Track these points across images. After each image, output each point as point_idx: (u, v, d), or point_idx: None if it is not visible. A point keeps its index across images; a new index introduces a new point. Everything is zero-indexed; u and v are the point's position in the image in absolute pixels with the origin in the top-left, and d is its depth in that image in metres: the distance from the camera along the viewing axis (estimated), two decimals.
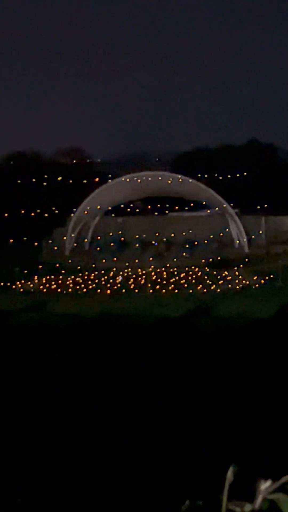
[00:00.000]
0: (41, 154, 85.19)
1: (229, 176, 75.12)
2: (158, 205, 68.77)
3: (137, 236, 64.83)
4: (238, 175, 75.88)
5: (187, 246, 60.12)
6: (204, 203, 66.37)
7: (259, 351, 17.16)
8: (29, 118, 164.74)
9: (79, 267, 56.23)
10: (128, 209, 69.08)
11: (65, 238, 62.55)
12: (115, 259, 58.44)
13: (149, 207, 70.14)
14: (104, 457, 9.02)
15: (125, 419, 10.93)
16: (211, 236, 64.23)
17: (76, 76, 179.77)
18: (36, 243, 62.25)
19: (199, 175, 67.34)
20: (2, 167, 78.60)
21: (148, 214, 68.34)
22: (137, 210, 71.05)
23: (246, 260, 57.24)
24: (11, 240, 62.22)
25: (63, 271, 54.29)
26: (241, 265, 54.72)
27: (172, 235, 65.26)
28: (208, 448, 9.13)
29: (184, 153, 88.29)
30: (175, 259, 57.32)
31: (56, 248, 63.13)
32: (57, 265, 56.60)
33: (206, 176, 69.66)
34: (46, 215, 65.85)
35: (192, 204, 69.03)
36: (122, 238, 63.41)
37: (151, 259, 57.91)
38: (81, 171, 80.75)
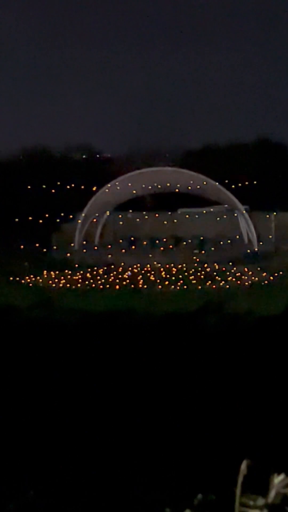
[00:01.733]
0: (51, 150, 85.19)
1: (238, 173, 74.94)
2: (168, 201, 68.69)
3: (146, 232, 64.86)
4: (247, 172, 75.68)
5: (197, 242, 60.10)
6: (214, 199, 66.29)
7: (268, 347, 17.16)
8: (38, 114, 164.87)
9: (88, 263, 56.37)
10: (137, 205, 69.00)
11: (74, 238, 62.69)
12: (124, 255, 58.51)
13: (159, 203, 70.08)
14: (117, 449, 9.07)
15: (135, 414, 10.97)
16: (221, 233, 64.18)
17: (86, 72, 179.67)
18: (45, 239, 62.34)
19: (209, 171, 67.16)
20: (11, 163, 78.69)
21: (157, 210, 68.27)
22: (147, 206, 70.97)
23: (255, 256, 57.17)
24: (20, 235, 62.31)
25: (72, 267, 54.43)
26: (251, 262, 54.67)
27: (182, 231, 65.25)
28: (221, 443, 9.16)
29: (193, 150, 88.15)
30: (184, 255, 57.31)
31: (65, 243, 63.23)
32: (66, 260, 56.75)
33: (215, 173, 69.49)
34: (55, 210, 65.91)
35: (205, 203, 68.91)
36: (132, 238, 63.42)
37: (160, 255, 57.95)
38: (91, 166, 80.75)
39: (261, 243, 61.46)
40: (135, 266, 54.81)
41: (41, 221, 63.29)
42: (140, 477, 8.00)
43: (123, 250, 60.16)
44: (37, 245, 59.75)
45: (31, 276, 50.43)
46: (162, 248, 60.52)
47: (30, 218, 63.40)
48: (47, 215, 64.50)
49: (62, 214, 65.63)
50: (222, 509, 1.77)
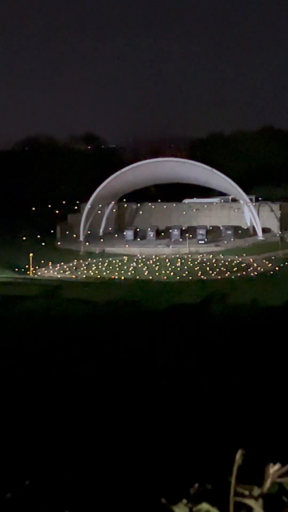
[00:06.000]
0: (56, 140, 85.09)
1: (243, 163, 74.71)
2: (173, 192, 68.59)
3: (152, 223, 64.82)
4: (253, 161, 75.43)
5: (202, 232, 59.99)
6: (219, 189, 66.15)
7: (272, 336, 17.14)
8: (43, 104, 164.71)
9: (93, 253, 56.45)
10: (143, 196, 68.88)
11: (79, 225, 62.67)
12: (128, 245, 58.50)
13: (164, 193, 69.94)
14: (117, 438, 9.09)
15: (136, 402, 10.97)
16: (226, 223, 64.10)
17: (92, 62, 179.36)
18: (50, 229, 62.36)
19: (214, 161, 66.97)
20: (17, 153, 78.64)
21: (162, 200, 68.19)
22: (153, 196, 70.86)
23: (260, 246, 57.06)
24: (25, 227, 62.33)
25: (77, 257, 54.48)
26: (255, 252, 54.57)
27: (187, 221, 65.19)
28: (218, 432, 9.17)
29: (198, 139, 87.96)
30: (189, 246, 57.24)
31: (70, 233, 63.28)
32: (71, 251, 56.83)
33: (220, 162, 69.29)
34: (60, 201, 65.89)
35: (209, 191, 68.77)
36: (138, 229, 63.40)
37: (164, 245, 57.94)
38: (96, 157, 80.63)
39: (266, 225, 61.39)
40: (139, 256, 54.82)
41: (46, 212, 63.33)
42: (137, 466, 8.02)
43: (128, 241, 60.11)
44: (42, 236, 59.78)
45: (37, 267, 50.47)
46: (167, 238, 60.44)
47: (35, 209, 63.43)
48: (52, 206, 64.51)
49: (68, 205, 65.63)
50: (218, 499, 1.75)
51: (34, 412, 10.48)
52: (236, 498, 1.60)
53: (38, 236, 59.12)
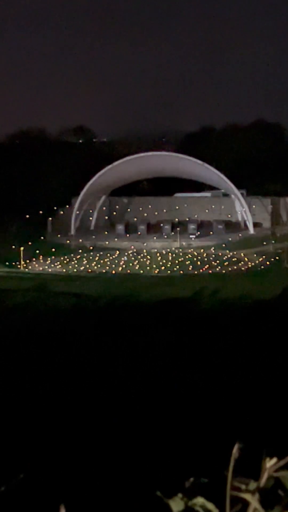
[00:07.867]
0: (47, 133, 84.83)
1: (235, 157, 74.72)
2: (164, 186, 68.56)
3: (142, 217, 64.83)
4: (244, 155, 75.47)
5: (193, 227, 60.02)
6: (210, 184, 66.16)
7: (264, 331, 17.20)
8: (34, 97, 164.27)
9: (84, 248, 56.44)
10: (134, 190, 68.79)
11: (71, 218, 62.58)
12: (119, 239, 58.51)
13: (156, 188, 69.89)
14: (109, 431, 9.11)
15: (130, 399, 10.98)
16: (217, 218, 64.17)
17: (83, 54, 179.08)
18: (41, 223, 62.25)
19: (205, 155, 66.94)
20: (7, 146, 78.35)
21: (153, 194, 68.17)
22: (143, 190, 70.78)
23: (251, 241, 57.15)
24: (17, 220, 62.17)
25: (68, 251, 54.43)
26: (247, 246, 54.66)
27: (178, 216, 65.22)
28: (214, 426, 9.20)
29: (190, 133, 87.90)
30: (181, 240, 57.30)
31: (61, 227, 63.22)
32: (62, 245, 56.78)
33: (212, 156, 69.28)
34: (52, 194, 65.73)
35: (201, 186, 68.75)
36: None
37: (156, 239, 57.95)
38: (87, 150, 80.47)
39: (257, 220, 61.51)
40: (131, 250, 54.83)
41: (37, 206, 63.16)
42: (132, 459, 8.04)
43: (119, 235, 60.11)
44: (33, 230, 59.66)
45: (28, 261, 50.40)
46: (158, 233, 60.46)
47: (25, 203, 63.26)
48: (43, 200, 64.36)
49: (59, 198, 65.49)
50: (214, 492, 1.75)
51: (28, 407, 10.48)
52: (232, 492, 1.60)
53: (29, 230, 59.01)
